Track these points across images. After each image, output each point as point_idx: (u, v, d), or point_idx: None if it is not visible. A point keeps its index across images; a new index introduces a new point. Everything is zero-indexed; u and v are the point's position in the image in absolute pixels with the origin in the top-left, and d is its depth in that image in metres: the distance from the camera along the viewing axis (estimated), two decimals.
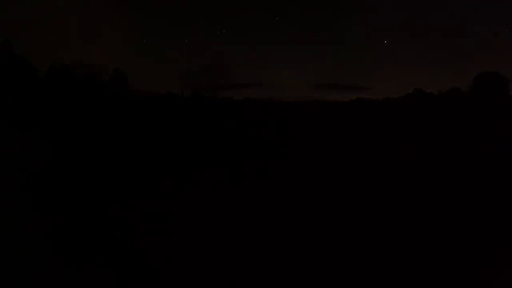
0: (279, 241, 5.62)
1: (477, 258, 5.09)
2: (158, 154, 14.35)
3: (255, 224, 6.42)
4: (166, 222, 6.48)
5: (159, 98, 35.46)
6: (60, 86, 26.63)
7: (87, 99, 25.87)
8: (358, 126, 28.30)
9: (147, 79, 73.77)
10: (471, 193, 8.73)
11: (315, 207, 7.50)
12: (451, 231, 6.11)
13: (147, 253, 5.16)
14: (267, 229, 6.17)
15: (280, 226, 6.33)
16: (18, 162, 11.08)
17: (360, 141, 20.09)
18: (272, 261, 4.96)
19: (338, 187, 9.33)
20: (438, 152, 15.79)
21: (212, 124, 25.17)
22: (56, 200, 7.60)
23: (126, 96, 32.84)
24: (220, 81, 59.65)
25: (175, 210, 7.22)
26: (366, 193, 8.66)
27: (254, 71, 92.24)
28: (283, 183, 9.70)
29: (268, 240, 5.68)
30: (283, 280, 4.50)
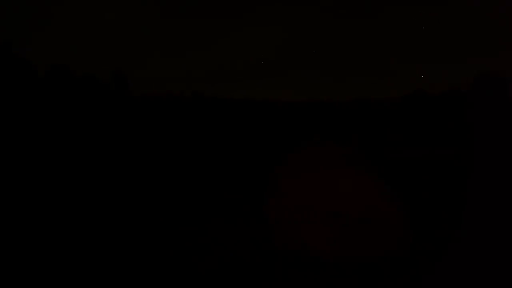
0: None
1: (476, 258, 5.09)
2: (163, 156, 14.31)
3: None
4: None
5: (159, 98, 35.39)
6: (60, 86, 26.60)
7: (87, 99, 25.84)
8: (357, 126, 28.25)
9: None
10: (471, 192, 8.71)
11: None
12: (450, 231, 6.10)
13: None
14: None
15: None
16: (18, 161, 11.06)
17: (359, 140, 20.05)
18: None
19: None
20: (438, 152, 15.77)
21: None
22: (54, 199, 7.59)
23: (126, 97, 32.79)
24: None
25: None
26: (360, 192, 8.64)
27: None
28: None
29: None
30: None
